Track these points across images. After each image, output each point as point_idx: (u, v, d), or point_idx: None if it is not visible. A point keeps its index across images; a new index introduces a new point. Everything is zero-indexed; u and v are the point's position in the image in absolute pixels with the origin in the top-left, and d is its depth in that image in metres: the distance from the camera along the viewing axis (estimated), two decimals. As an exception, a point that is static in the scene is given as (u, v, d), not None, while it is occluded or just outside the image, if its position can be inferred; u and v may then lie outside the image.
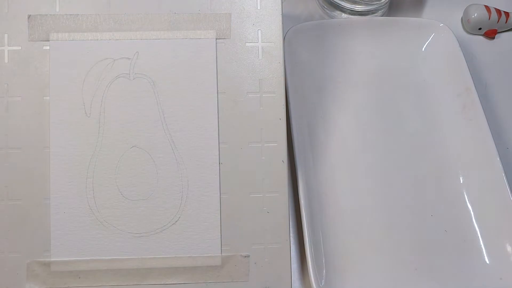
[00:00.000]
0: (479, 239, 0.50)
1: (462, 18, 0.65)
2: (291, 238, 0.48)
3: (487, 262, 0.48)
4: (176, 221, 0.44)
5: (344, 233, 0.49)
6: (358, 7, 0.62)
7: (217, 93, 0.45)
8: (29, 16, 0.44)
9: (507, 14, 0.64)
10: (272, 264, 0.44)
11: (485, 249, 0.49)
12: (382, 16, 0.64)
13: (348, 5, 0.62)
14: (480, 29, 0.64)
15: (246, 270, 0.44)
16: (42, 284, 0.43)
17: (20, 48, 0.44)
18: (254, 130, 0.45)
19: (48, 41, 0.44)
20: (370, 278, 0.47)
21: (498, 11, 0.63)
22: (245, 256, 0.44)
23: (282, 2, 0.46)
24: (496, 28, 0.64)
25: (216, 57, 0.45)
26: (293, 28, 0.57)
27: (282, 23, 0.45)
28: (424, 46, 0.59)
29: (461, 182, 0.52)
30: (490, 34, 0.64)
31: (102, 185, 0.43)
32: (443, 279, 0.48)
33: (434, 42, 0.59)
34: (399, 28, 0.59)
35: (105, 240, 0.43)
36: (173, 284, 0.44)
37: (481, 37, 0.64)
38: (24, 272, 0.43)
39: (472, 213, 0.51)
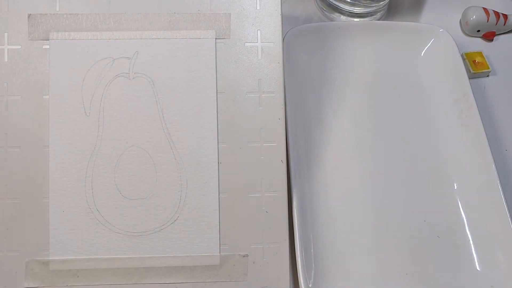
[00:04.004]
0: (471, 246, 0.49)
1: (460, 20, 0.66)
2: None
3: (478, 269, 0.48)
4: (175, 220, 0.44)
5: (335, 235, 0.49)
6: (357, 9, 0.62)
7: (216, 92, 0.45)
8: (29, 15, 0.44)
9: (505, 16, 0.64)
10: (271, 263, 0.44)
11: (477, 256, 0.49)
12: (381, 18, 0.64)
13: (347, 7, 0.62)
14: (478, 31, 0.64)
15: (245, 270, 0.44)
16: (40, 282, 0.43)
17: (20, 47, 0.44)
18: (253, 130, 0.45)
19: (48, 40, 0.44)
20: (359, 281, 0.47)
21: (497, 13, 0.63)
22: (244, 256, 0.44)
23: (281, 2, 0.46)
24: (495, 30, 0.64)
25: (216, 57, 0.45)
26: (292, 30, 0.57)
27: (282, 23, 0.46)
28: (423, 51, 0.59)
29: (455, 188, 0.52)
30: (489, 36, 0.64)
31: (101, 184, 0.44)
32: (433, 285, 0.47)
33: (433, 48, 0.59)
34: (399, 33, 0.59)
35: (103, 239, 0.43)
36: (172, 284, 0.44)
37: (480, 39, 0.65)
38: (22, 271, 0.43)
39: (465, 219, 0.51)
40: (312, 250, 0.47)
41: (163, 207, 0.44)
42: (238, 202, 0.44)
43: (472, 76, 0.60)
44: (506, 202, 0.48)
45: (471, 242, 0.50)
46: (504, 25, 0.64)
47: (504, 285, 0.47)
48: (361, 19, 0.63)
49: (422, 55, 0.59)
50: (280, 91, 0.45)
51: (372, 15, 0.64)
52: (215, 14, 0.45)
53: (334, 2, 0.63)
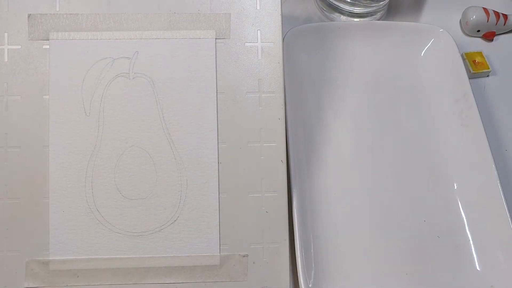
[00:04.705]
0: (471, 246, 0.49)
1: (460, 20, 0.66)
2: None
3: (478, 269, 0.48)
4: (175, 220, 0.44)
5: (335, 235, 0.49)
6: (357, 9, 0.62)
7: (216, 92, 0.45)
8: (29, 15, 0.44)
9: (505, 16, 0.64)
10: (271, 263, 0.44)
11: (477, 256, 0.49)
12: (381, 18, 0.64)
13: (347, 7, 0.62)
14: (478, 31, 0.64)
15: (245, 270, 0.44)
16: (40, 282, 0.43)
17: (20, 47, 0.44)
18: (253, 130, 0.45)
19: (48, 40, 0.44)
20: (359, 281, 0.47)
21: (497, 13, 0.63)
22: (244, 256, 0.44)
23: (281, 2, 0.46)
24: (495, 30, 0.64)
25: (216, 57, 0.45)
26: (292, 30, 0.57)
27: (282, 23, 0.46)
28: (423, 51, 0.59)
29: (455, 188, 0.52)
30: (489, 36, 0.64)
31: (101, 184, 0.44)
32: (433, 285, 0.47)
33: (433, 48, 0.59)
34: (399, 33, 0.59)
35: (103, 239, 0.43)
36: (172, 284, 0.44)
37: (480, 39, 0.65)
38: (22, 271, 0.43)
39: (465, 219, 0.51)
40: (312, 250, 0.47)
41: (163, 207, 0.44)
42: (238, 202, 0.44)
43: (472, 76, 0.60)
44: (506, 202, 0.48)
45: (471, 242, 0.50)
46: (504, 25, 0.64)
47: (504, 285, 0.47)
48: (361, 19, 0.63)
49: (422, 55, 0.59)
50: (280, 91, 0.45)
51: (372, 15, 0.64)
52: (215, 14, 0.45)
53: (334, 2, 0.63)
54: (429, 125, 0.56)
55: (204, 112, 0.44)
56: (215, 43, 0.45)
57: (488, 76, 0.62)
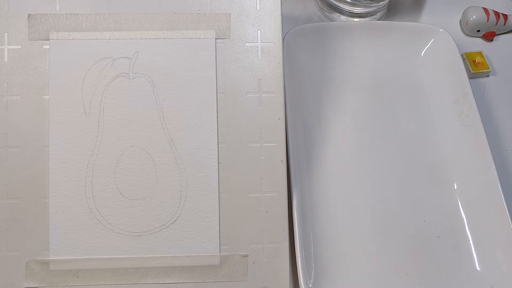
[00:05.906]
0: (471, 246, 0.49)
1: (460, 20, 0.66)
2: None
3: (478, 269, 0.48)
4: (175, 220, 0.44)
5: (335, 235, 0.49)
6: (357, 9, 0.62)
7: (217, 92, 0.45)
8: (29, 15, 0.44)
9: (505, 16, 0.64)
10: (271, 263, 0.44)
11: (477, 256, 0.49)
12: (381, 18, 0.64)
13: (347, 7, 0.62)
14: (478, 31, 0.64)
15: (245, 270, 0.44)
16: (40, 282, 0.43)
17: (20, 47, 0.44)
18: (253, 130, 0.45)
19: (48, 40, 0.44)
20: (359, 281, 0.47)
21: (497, 13, 0.63)
22: (244, 256, 0.44)
23: (281, 2, 0.46)
24: (495, 31, 0.64)
25: (216, 57, 0.45)
26: (292, 30, 0.57)
27: (282, 23, 0.46)
28: (423, 51, 0.59)
29: (455, 188, 0.52)
30: (489, 36, 0.64)
31: (101, 184, 0.44)
32: (433, 285, 0.47)
33: (433, 48, 0.59)
34: (399, 33, 0.59)
35: (103, 239, 0.43)
36: (172, 284, 0.44)
37: (480, 39, 0.65)
38: (22, 270, 0.43)
39: (465, 220, 0.51)
40: (312, 250, 0.47)
41: (163, 207, 0.44)
42: (238, 202, 0.44)
43: (472, 76, 0.60)
44: (506, 202, 0.48)
45: (471, 242, 0.50)
46: (504, 25, 0.64)
47: (504, 285, 0.47)
48: (361, 19, 0.63)
49: (422, 55, 0.59)
50: (280, 91, 0.45)
51: (372, 15, 0.64)
52: (215, 14, 0.45)
53: (334, 2, 0.63)
54: (429, 125, 0.56)
55: (204, 112, 0.44)
56: (215, 43, 0.45)
57: (488, 76, 0.62)
